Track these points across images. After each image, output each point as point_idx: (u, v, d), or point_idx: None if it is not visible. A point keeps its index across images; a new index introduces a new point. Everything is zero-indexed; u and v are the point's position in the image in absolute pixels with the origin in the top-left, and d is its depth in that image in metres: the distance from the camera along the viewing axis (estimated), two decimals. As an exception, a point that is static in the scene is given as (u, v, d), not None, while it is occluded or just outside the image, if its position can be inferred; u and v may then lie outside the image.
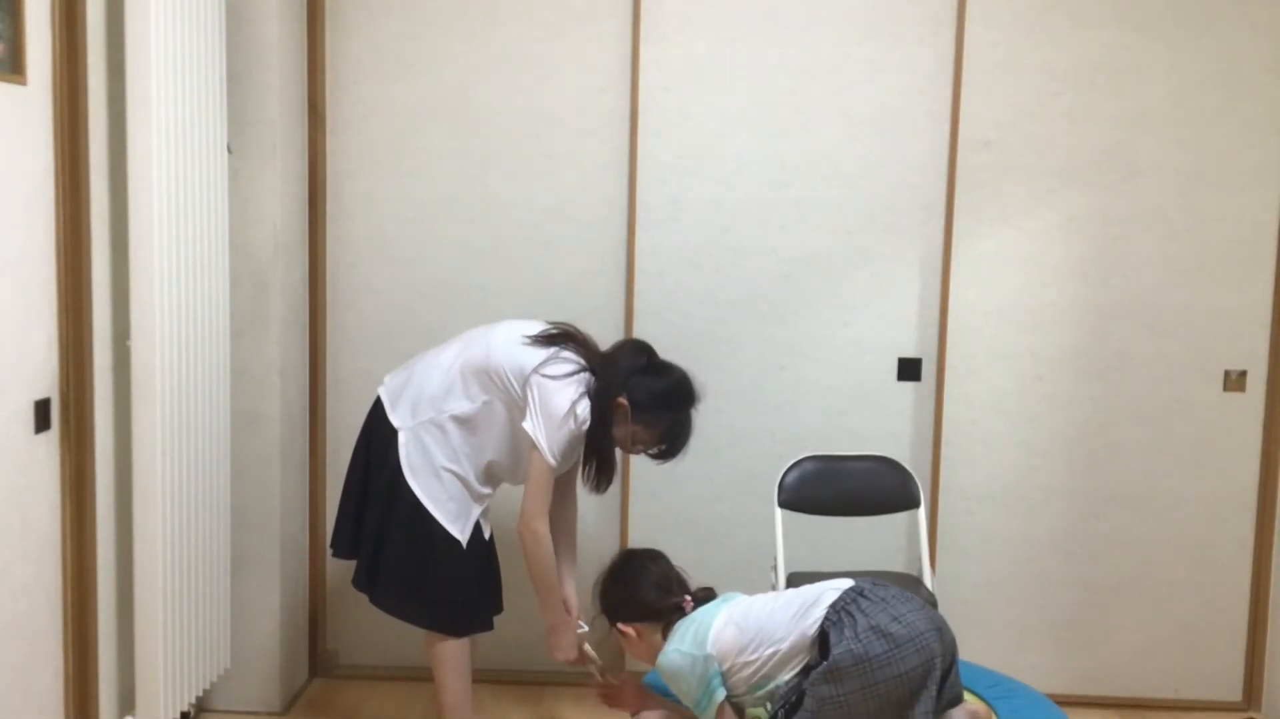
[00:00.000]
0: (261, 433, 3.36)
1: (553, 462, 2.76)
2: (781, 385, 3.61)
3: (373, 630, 3.67)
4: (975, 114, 3.50)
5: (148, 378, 2.77)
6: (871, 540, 3.63)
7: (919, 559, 3.42)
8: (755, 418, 3.62)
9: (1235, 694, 3.68)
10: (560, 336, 2.87)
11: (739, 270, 3.58)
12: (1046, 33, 3.48)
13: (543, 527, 2.80)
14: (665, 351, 3.59)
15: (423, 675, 3.45)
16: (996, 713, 2.72)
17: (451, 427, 2.85)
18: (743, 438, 3.63)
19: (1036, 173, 3.52)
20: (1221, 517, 3.62)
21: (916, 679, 2.31)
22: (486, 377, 2.83)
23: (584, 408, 2.77)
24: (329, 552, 3.10)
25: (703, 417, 3.61)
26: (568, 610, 3.00)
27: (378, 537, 2.89)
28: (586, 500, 3.65)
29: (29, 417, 2.54)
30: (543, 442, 2.75)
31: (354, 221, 3.61)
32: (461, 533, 2.88)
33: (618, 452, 2.90)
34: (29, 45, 2.47)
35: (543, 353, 2.81)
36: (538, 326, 2.89)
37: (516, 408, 2.82)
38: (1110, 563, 3.64)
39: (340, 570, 3.60)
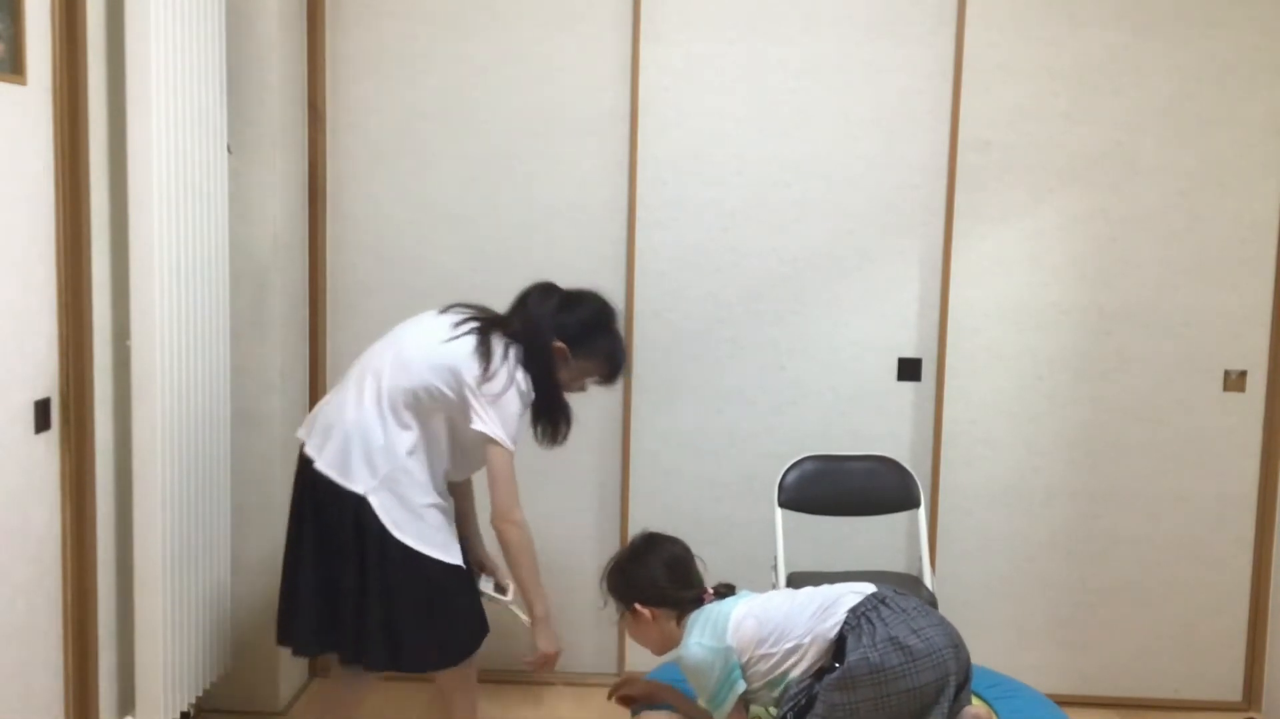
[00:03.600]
0: (261, 433, 3.36)
1: (512, 447, 2.67)
2: (781, 385, 3.61)
3: (373, 630, 3.67)
4: (975, 114, 3.50)
5: (148, 378, 2.77)
6: (871, 540, 3.63)
7: (919, 559, 3.42)
8: (755, 418, 3.62)
9: (1235, 694, 3.68)
10: (469, 323, 2.73)
11: (739, 270, 3.58)
12: (1046, 33, 3.48)
13: (522, 515, 2.71)
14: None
15: (422, 675, 3.45)
16: (996, 713, 2.72)
17: (412, 463, 2.68)
18: (743, 438, 3.63)
19: (1036, 173, 3.53)
20: (1221, 516, 3.62)
21: (929, 695, 2.30)
22: (413, 397, 2.66)
23: (525, 381, 2.68)
24: (288, 650, 2.82)
25: (703, 416, 3.63)
26: (484, 569, 2.94)
27: (385, 611, 2.67)
28: (587, 500, 3.66)
29: (29, 417, 2.54)
30: (500, 433, 2.63)
31: (354, 221, 3.61)
32: (457, 556, 2.75)
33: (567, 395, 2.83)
34: (29, 45, 2.46)
35: (464, 347, 2.66)
36: (440, 323, 2.74)
37: (454, 409, 2.68)
38: (1110, 563, 3.64)
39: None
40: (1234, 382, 3.59)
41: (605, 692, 2.88)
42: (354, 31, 3.54)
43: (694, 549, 2.62)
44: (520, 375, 2.66)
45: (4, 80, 2.40)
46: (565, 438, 2.82)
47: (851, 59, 3.51)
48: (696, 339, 3.60)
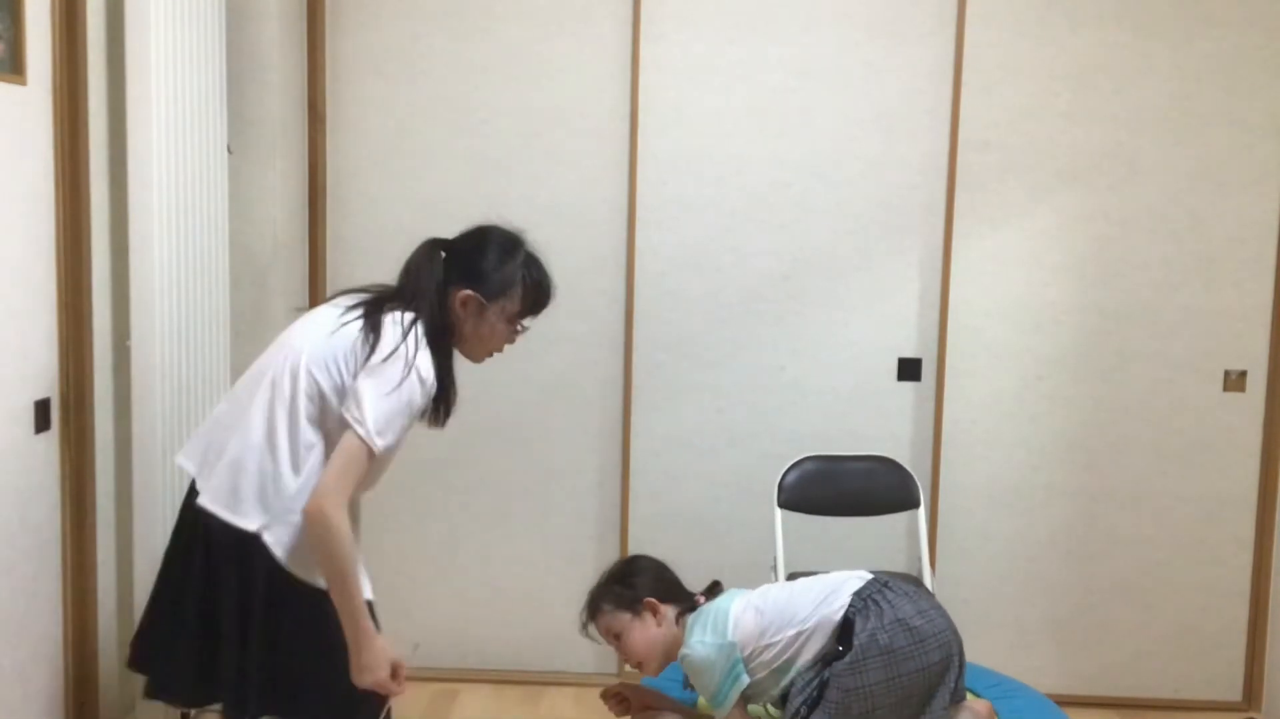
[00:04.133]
0: (261, 433, 3.36)
1: (379, 445, 2.14)
2: (781, 385, 3.61)
3: (373, 630, 3.67)
4: (975, 114, 3.50)
5: (148, 378, 2.77)
6: (871, 540, 3.63)
7: (919, 559, 3.42)
8: (755, 418, 3.62)
9: (1235, 694, 3.68)
10: (356, 308, 2.29)
11: (739, 270, 3.58)
12: (1046, 33, 3.48)
13: (343, 514, 2.13)
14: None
15: (422, 675, 3.46)
16: (996, 712, 2.72)
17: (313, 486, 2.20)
18: (743, 438, 3.63)
19: (1036, 173, 3.53)
20: (1221, 517, 3.62)
21: (937, 674, 2.33)
22: (310, 405, 2.21)
23: (427, 366, 2.20)
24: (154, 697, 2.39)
25: (703, 416, 3.62)
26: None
27: (272, 658, 2.24)
28: (587, 500, 3.66)
29: (29, 417, 2.53)
30: (370, 429, 2.13)
31: (354, 221, 3.61)
32: (367, 588, 2.24)
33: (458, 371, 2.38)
34: (29, 45, 2.47)
35: (350, 333, 2.23)
36: (328, 314, 2.30)
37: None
38: (1110, 563, 3.64)
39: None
40: (1234, 382, 3.58)
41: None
42: (354, 31, 3.54)
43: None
44: (423, 360, 2.20)
45: (4, 80, 2.40)
46: (444, 420, 2.35)
47: (851, 59, 3.51)
48: (696, 339, 3.60)
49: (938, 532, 3.63)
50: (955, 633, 2.40)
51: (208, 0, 2.96)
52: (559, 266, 3.56)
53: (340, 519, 2.12)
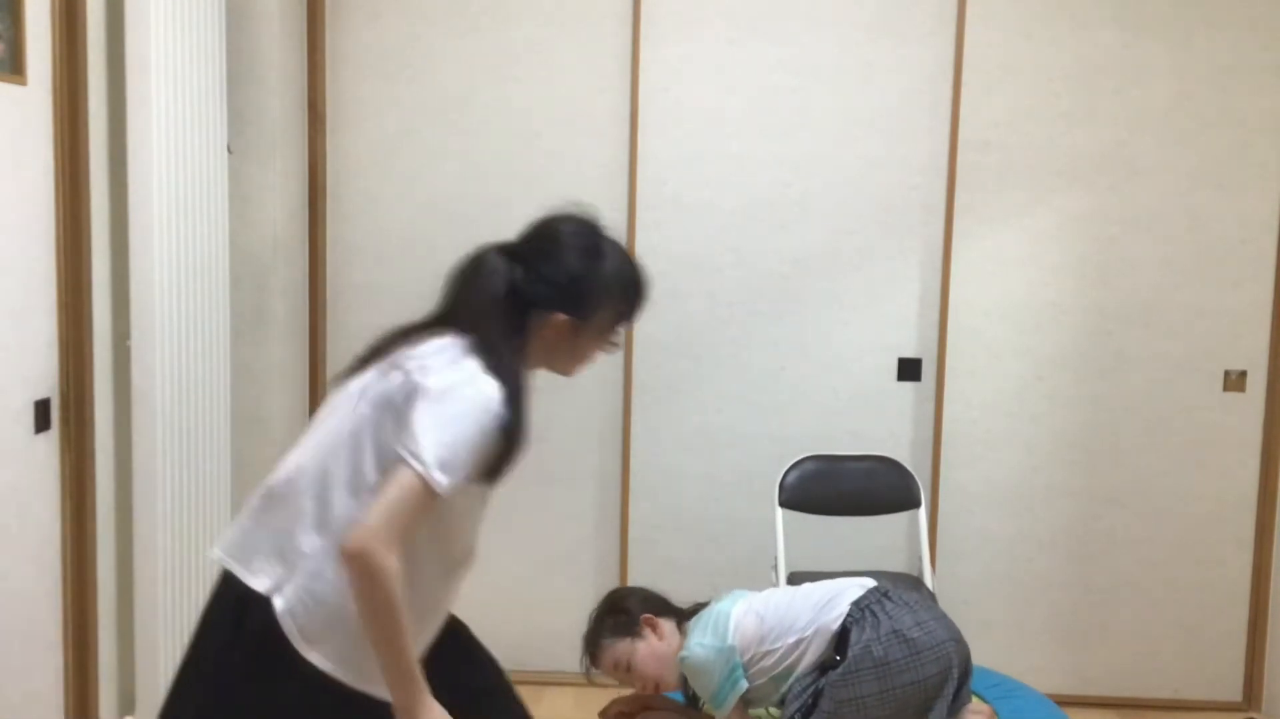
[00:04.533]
0: (261, 433, 3.36)
1: (443, 482, 1.73)
2: (781, 385, 3.61)
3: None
4: (975, 114, 3.50)
5: (148, 378, 2.77)
6: (871, 540, 3.63)
7: (919, 559, 3.42)
8: (755, 418, 3.62)
9: (1235, 694, 3.68)
10: (405, 335, 1.99)
11: (739, 270, 3.58)
12: (1046, 33, 3.48)
13: (392, 559, 1.71)
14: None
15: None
16: (997, 714, 2.72)
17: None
18: (743, 438, 3.63)
19: (1036, 173, 3.53)
20: (1221, 517, 3.62)
21: (933, 687, 2.32)
22: (364, 451, 1.84)
23: (495, 392, 1.80)
24: None
25: (703, 416, 3.62)
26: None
27: None
28: (587, 500, 3.66)
29: (29, 417, 2.53)
30: (429, 458, 1.73)
31: (354, 221, 3.61)
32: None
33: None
34: (29, 45, 2.47)
35: (406, 355, 1.90)
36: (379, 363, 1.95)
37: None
38: (1110, 563, 3.64)
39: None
40: (1234, 382, 3.58)
41: (605, 691, 2.86)
42: (354, 31, 3.55)
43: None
44: (489, 383, 1.81)
45: (4, 80, 2.40)
46: (504, 472, 1.90)
47: (851, 59, 3.51)
48: (696, 339, 3.60)
49: (938, 532, 3.63)
50: (960, 644, 2.38)
51: (208, 0, 2.96)
52: (559, 266, 3.58)
53: (388, 563, 1.71)
